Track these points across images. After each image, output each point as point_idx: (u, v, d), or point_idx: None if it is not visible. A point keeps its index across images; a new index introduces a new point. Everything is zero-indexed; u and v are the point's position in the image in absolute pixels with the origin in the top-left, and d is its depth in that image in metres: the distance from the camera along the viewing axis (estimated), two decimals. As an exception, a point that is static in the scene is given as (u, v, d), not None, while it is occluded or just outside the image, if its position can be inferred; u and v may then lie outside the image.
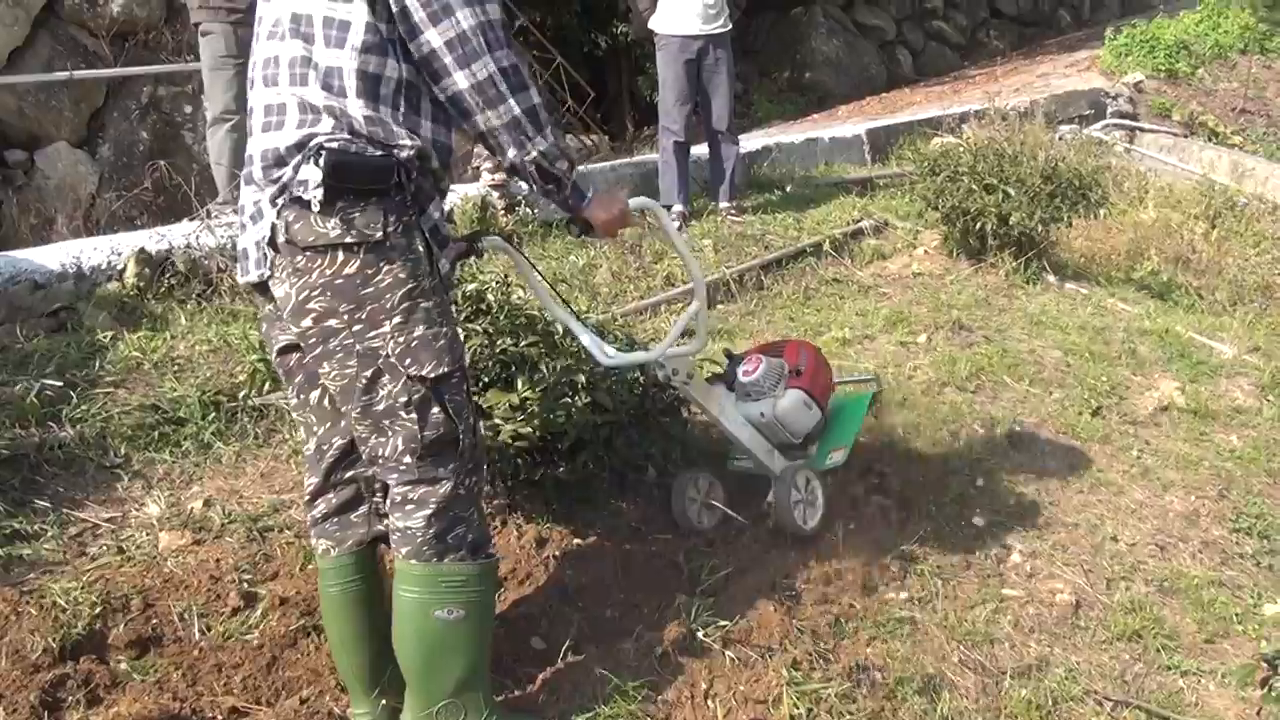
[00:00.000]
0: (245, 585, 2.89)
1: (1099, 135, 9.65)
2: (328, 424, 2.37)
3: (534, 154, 2.22)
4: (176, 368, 3.84)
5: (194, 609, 2.76)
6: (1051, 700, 2.92)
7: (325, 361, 2.19)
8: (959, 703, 2.85)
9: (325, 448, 2.38)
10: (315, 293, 2.14)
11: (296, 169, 2.12)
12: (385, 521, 2.36)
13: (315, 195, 2.08)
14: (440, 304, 2.24)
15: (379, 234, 2.12)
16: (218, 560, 2.98)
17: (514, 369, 3.07)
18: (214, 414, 3.61)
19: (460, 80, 2.13)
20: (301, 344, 2.24)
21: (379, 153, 2.14)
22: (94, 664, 2.54)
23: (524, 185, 2.28)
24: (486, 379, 3.03)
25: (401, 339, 2.16)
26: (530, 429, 2.93)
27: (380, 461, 2.23)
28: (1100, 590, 3.49)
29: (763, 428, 3.33)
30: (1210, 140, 10.29)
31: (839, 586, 3.15)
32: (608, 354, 2.88)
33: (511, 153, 2.21)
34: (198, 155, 7.21)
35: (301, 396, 2.38)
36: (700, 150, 6.66)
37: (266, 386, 3.36)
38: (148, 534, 3.07)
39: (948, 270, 6.15)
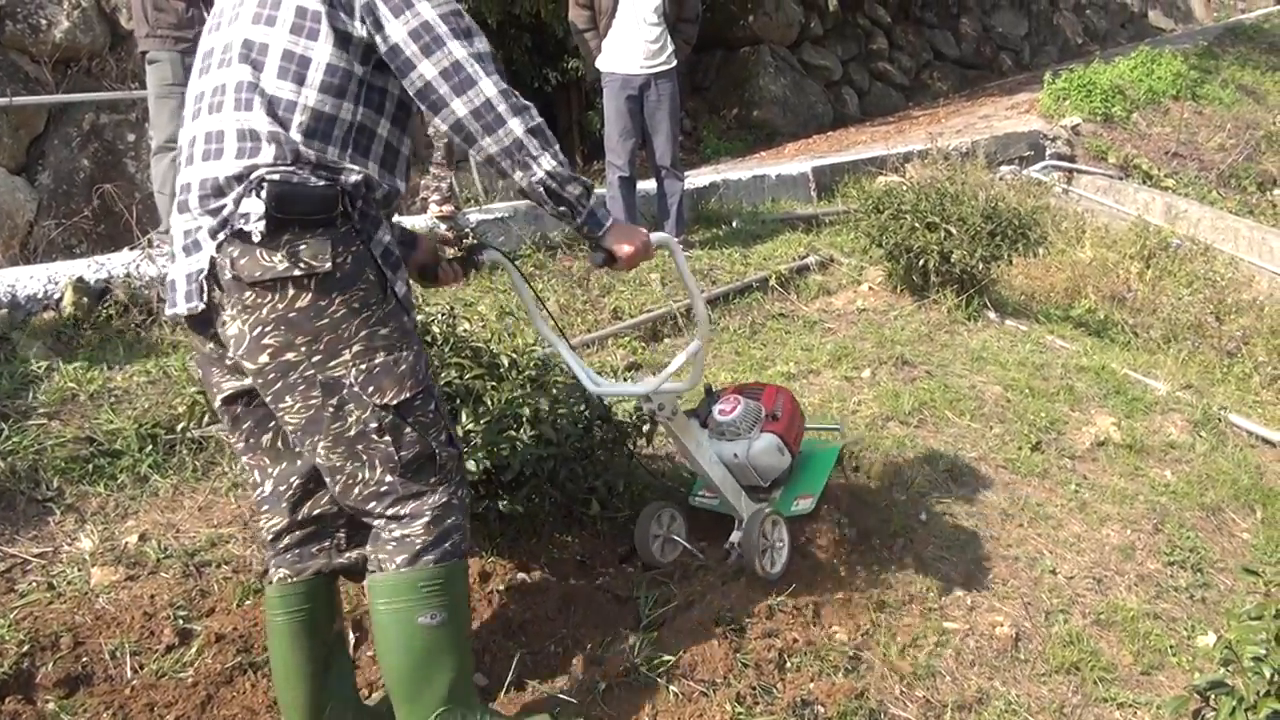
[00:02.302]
0: (180, 622, 2.82)
1: (1038, 176, 9.88)
2: (283, 464, 2.34)
3: (540, 174, 2.20)
4: (113, 399, 3.77)
5: (126, 646, 2.69)
6: (992, 733, 2.95)
7: (287, 395, 2.14)
8: (901, 736, 2.87)
9: (283, 488, 2.35)
10: (269, 328, 2.09)
11: (238, 201, 2.08)
12: (347, 555, 2.38)
13: (257, 228, 2.04)
14: (399, 328, 2.21)
15: (327, 265, 2.09)
16: (152, 596, 2.91)
17: (459, 401, 3.06)
18: (151, 446, 3.54)
19: (458, 108, 2.12)
20: (257, 381, 2.17)
21: (322, 182, 2.11)
22: (20, 704, 2.46)
23: (544, 208, 2.26)
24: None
25: (364, 366, 2.14)
26: (473, 462, 2.91)
27: (360, 489, 2.20)
28: (1039, 623, 3.54)
29: (733, 468, 3.33)
30: (1144, 182, 10.59)
31: (783, 620, 3.15)
32: (596, 382, 2.89)
33: (518, 176, 2.20)
34: (140, 184, 7.13)
35: (250, 441, 2.34)
36: (648, 185, 6.71)
37: (205, 419, 3.30)
38: (79, 569, 3.00)
39: (891, 306, 6.24)
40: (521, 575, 3.20)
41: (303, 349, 2.10)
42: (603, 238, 2.38)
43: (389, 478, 2.19)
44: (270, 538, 2.39)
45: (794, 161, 9.71)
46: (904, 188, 6.57)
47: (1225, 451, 5.09)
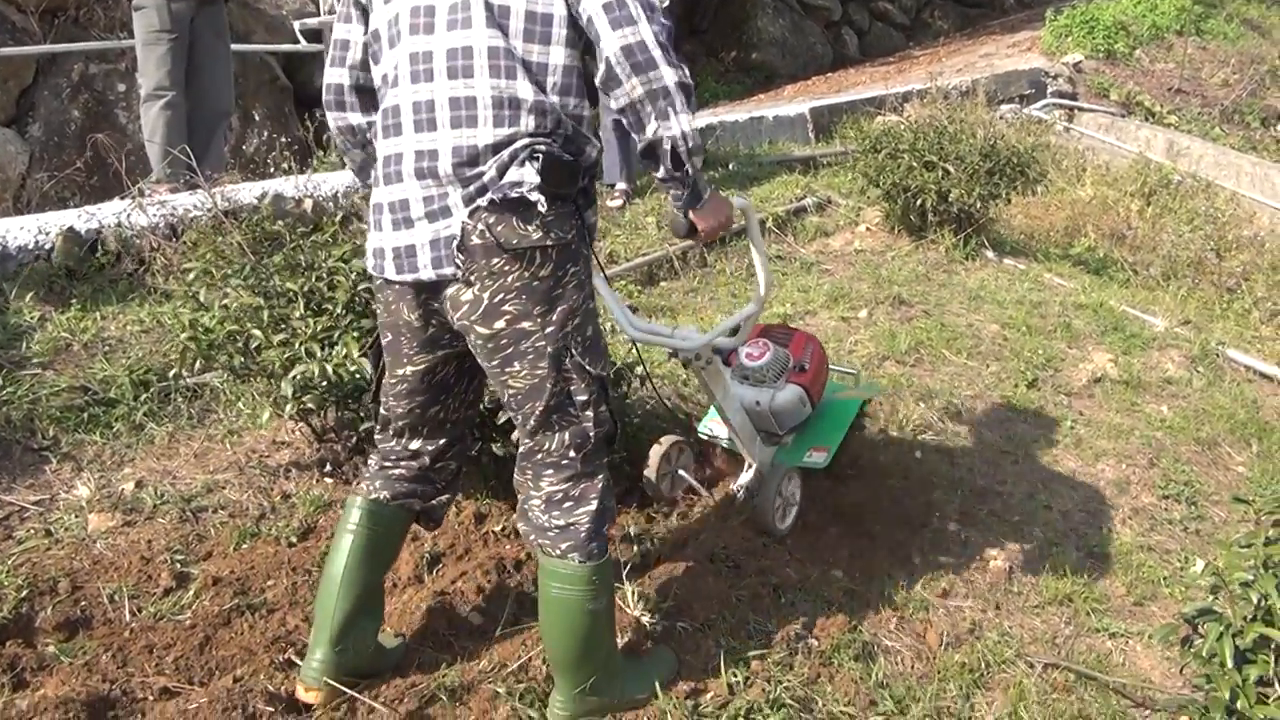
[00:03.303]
0: (177, 566, 2.85)
1: (1039, 114, 9.78)
2: (435, 434, 2.46)
3: (677, 131, 2.11)
4: (107, 348, 3.77)
5: (124, 590, 2.72)
6: (984, 663, 2.98)
7: (516, 361, 2.19)
8: (894, 667, 2.90)
9: (426, 432, 2.45)
10: (511, 295, 2.14)
11: (502, 170, 2.10)
12: (436, 500, 2.53)
13: (538, 197, 2.08)
14: (595, 303, 2.31)
15: (570, 236, 2.16)
16: (149, 541, 2.93)
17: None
18: (146, 394, 3.55)
19: (611, 42, 2.05)
20: (486, 345, 2.20)
21: (569, 156, 2.15)
22: (20, 647, 2.48)
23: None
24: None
25: (580, 339, 2.22)
26: (467, 404, 2.91)
27: (541, 456, 2.28)
28: (1033, 556, 3.56)
29: (753, 414, 3.28)
30: (1147, 119, 10.48)
31: (779, 558, 3.17)
32: (635, 325, 2.87)
33: (653, 126, 2.11)
34: (132, 134, 7.06)
35: (413, 409, 2.41)
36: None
37: (197, 365, 3.30)
38: (76, 516, 3.02)
39: (889, 246, 6.21)
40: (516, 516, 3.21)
41: (538, 318, 2.16)
42: (700, 209, 2.32)
43: (572, 453, 2.26)
44: (385, 461, 2.48)
45: (792, 103, 9.60)
46: (902, 127, 6.50)
47: (1222, 386, 5.09)
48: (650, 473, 3.27)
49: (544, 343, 2.18)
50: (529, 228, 2.11)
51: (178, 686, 2.40)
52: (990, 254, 6.31)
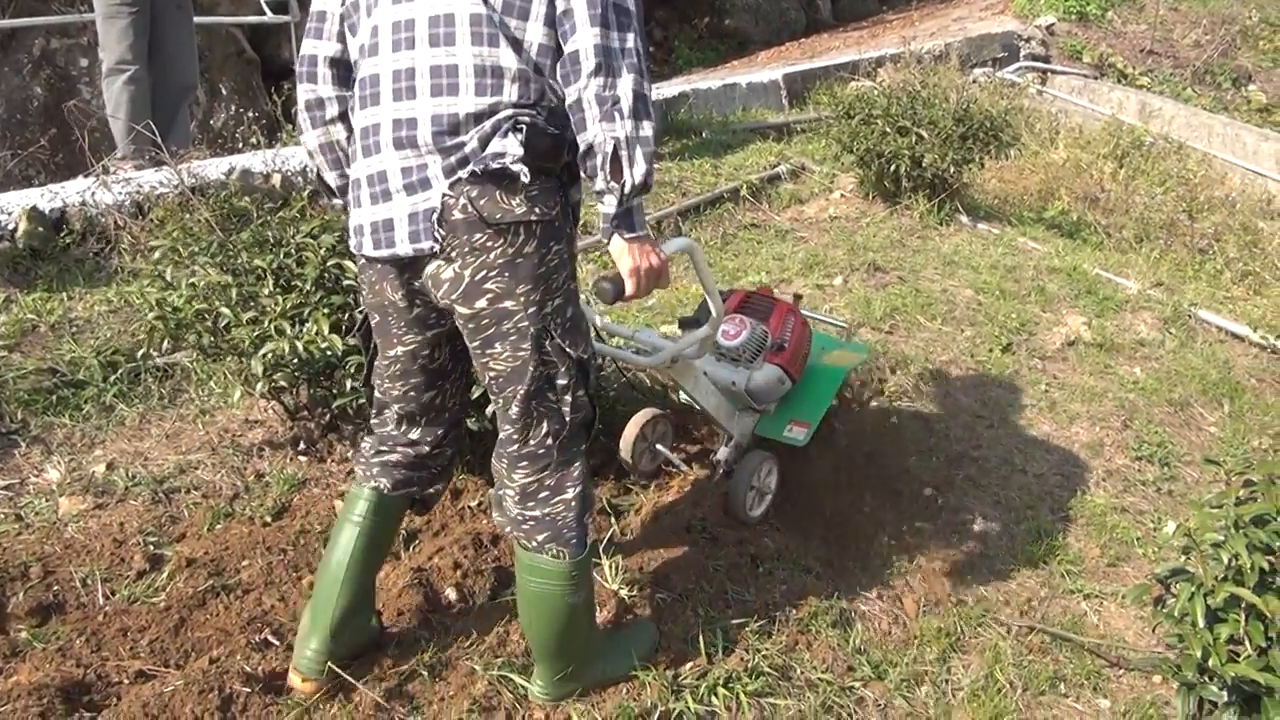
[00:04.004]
0: (151, 548, 2.82)
1: (1012, 78, 9.76)
2: (434, 422, 2.41)
3: (620, 135, 1.94)
4: (75, 329, 3.72)
5: (97, 574, 2.69)
6: (960, 628, 3.00)
7: (497, 342, 2.14)
8: (872, 634, 2.92)
9: (424, 420, 2.40)
10: (494, 273, 2.07)
11: (484, 141, 2.03)
12: (431, 488, 2.49)
13: (520, 169, 2.00)
14: (577, 284, 2.25)
15: (554, 212, 2.09)
16: (121, 524, 2.90)
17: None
18: (115, 375, 3.51)
19: (588, 37, 1.95)
20: (469, 325, 2.14)
21: (553, 128, 2.07)
22: (-8, 634, 2.46)
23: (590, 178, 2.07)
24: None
25: (560, 320, 2.16)
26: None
27: (518, 447, 2.22)
28: (1008, 520, 3.59)
29: (729, 394, 3.24)
30: (1119, 81, 10.49)
31: (757, 528, 3.18)
32: (603, 339, 2.83)
33: (602, 127, 1.94)
34: (96, 110, 6.94)
35: (409, 392, 2.35)
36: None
37: (166, 345, 3.26)
38: (47, 500, 2.98)
39: (863, 213, 6.20)
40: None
41: (521, 298, 2.09)
42: (630, 239, 2.06)
43: (549, 441, 2.21)
44: (382, 446, 2.43)
45: (766, 69, 9.54)
46: (875, 93, 6.47)
47: (1195, 347, 5.13)
48: (625, 448, 3.26)
49: (526, 323, 2.11)
50: (513, 201, 2.04)
51: (153, 669, 2.39)
52: (964, 219, 6.31)
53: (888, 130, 6.07)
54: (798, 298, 3.58)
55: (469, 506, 3.10)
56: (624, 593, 2.78)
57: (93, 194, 4.28)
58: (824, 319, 3.92)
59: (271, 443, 3.35)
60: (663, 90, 7.65)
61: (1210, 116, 9.67)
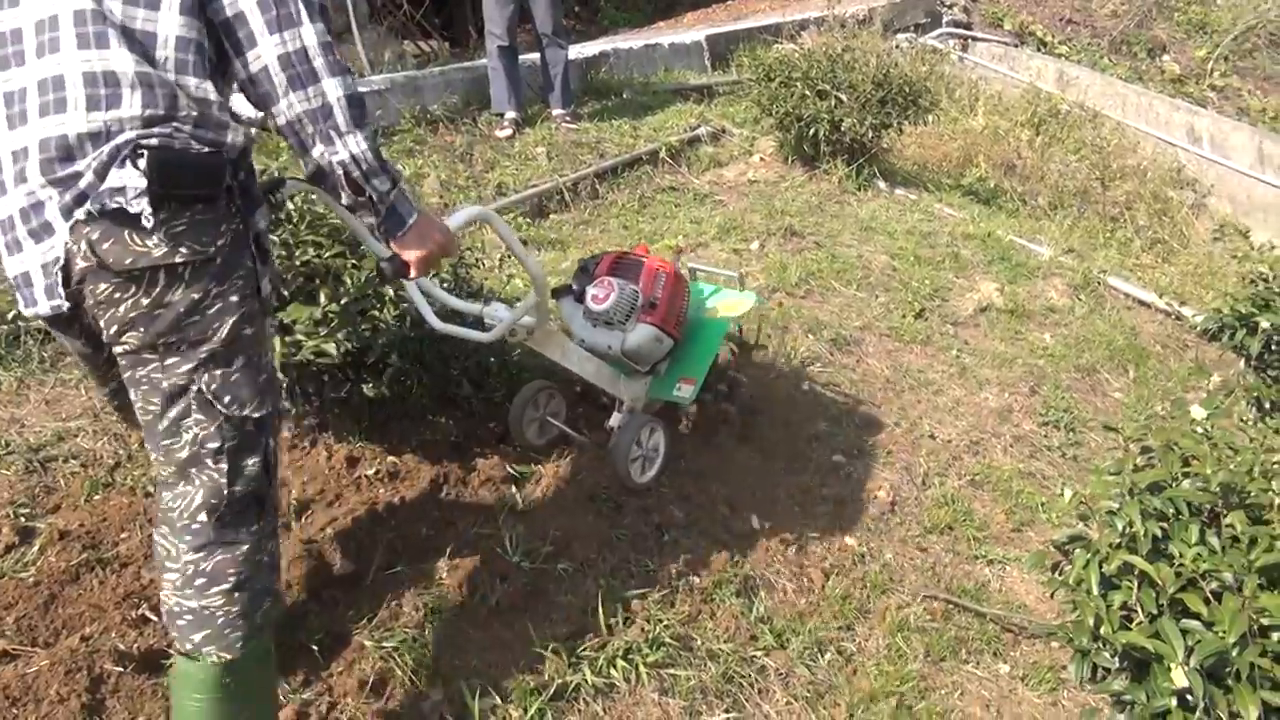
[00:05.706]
0: (22, 520, 2.67)
1: (934, 43, 9.78)
2: None
3: (344, 155, 1.78)
4: (-53, 289, 3.51)
5: (-38, 548, 2.54)
6: (865, 594, 3.00)
7: (133, 389, 1.82)
8: (776, 602, 2.89)
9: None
10: (127, 328, 1.74)
11: (101, 172, 1.66)
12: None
13: (143, 208, 1.64)
14: (262, 330, 1.89)
15: (214, 248, 1.74)
16: (-9, 495, 2.75)
17: (316, 281, 2.90)
18: (-10, 338, 3.32)
19: (269, 49, 1.71)
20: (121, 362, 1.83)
21: (205, 147, 1.73)
22: None
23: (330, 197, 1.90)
24: (287, 292, 2.85)
25: (219, 372, 1.80)
26: (333, 345, 2.78)
27: (170, 519, 1.86)
28: (917, 487, 3.59)
29: (608, 359, 3.15)
30: (1039, 49, 10.58)
31: (662, 497, 3.13)
32: (436, 321, 2.68)
33: (317, 150, 1.77)
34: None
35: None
36: (532, 56, 6.44)
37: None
38: (-89, 470, 2.81)
39: (782, 177, 6.16)
40: (392, 459, 3.10)
41: (161, 348, 1.76)
42: (402, 237, 1.94)
43: (202, 516, 1.83)
44: None
45: (690, 30, 9.43)
46: (796, 56, 6.42)
47: (1103, 314, 5.20)
48: (513, 421, 3.18)
49: (160, 376, 1.77)
50: (148, 242, 1.67)
51: (17, 649, 2.26)
52: (882, 184, 6.31)
53: (807, 93, 6.03)
54: (679, 251, 3.50)
55: (366, 475, 2.99)
56: (524, 564, 2.72)
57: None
58: (712, 269, 3.82)
59: (158, 409, 3.20)
60: (584, 50, 7.51)
61: (1125, 86, 9.80)
